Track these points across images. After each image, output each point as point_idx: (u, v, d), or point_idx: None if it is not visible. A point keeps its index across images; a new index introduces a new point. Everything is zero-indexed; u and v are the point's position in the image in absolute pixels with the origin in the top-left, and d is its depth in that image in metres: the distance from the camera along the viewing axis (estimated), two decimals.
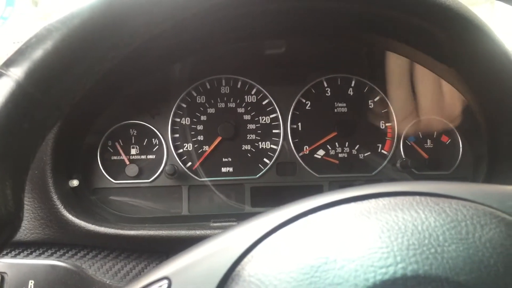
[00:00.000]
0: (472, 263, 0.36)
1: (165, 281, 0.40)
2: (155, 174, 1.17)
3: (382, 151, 1.25)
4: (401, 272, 0.36)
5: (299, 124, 1.24)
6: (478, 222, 0.40)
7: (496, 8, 1.74)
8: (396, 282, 0.35)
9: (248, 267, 0.39)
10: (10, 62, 0.41)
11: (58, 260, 0.85)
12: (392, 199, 0.43)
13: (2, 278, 0.77)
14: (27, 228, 0.91)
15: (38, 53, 0.40)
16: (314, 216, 0.43)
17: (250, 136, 1.22)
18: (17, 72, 0.40)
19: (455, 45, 0.80)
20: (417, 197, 0.43)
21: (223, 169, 1.20)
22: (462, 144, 1.25)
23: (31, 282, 0.77)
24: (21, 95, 0.39)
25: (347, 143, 1.24)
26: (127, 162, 1.16)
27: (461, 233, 0.39)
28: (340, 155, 1.24)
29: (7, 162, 0.39)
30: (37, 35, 0.41)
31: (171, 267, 0.41)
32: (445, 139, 1.26)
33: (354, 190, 0.45)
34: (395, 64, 1.14)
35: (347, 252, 0.38)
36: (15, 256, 0.91)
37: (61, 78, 0.42)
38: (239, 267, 0.40)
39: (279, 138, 1.22)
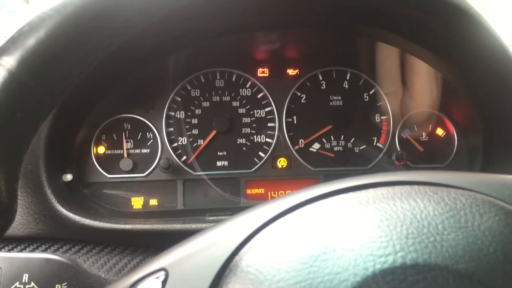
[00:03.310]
0: (472, 252, 0.36)
1: (162, 272, 0.40)
2: (149, 168, 1.16)
3: (378, 144, 1.25)
4: (400, 261, 0.36)
5: (294, 117, 1.23)
6: (477, 210, 0.40)
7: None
8: (395, 271, 0.35)
9: (246, 258, 0.39)
10: (2, 51, 0.40)
11: (52, 254, 0.85)
12: (390, 189, 0.43)
13: None
14: (21, 223, 0.90)
15: (30, 41, 0.40)
16: (312, 206, 0.42)
17: (245, 130, 1.21)
18: (9, 61, 0.39)
19: (449, 35, 0.80)
20: (416, 187, 0.43)
21: (218, 163, 1.20)
22: (457, 137, 1.25)
23: (25, 276, 0.77)
24: (14, 83, 0.39)
25: (342, 136, 1.24)
26: (124, 156, 1.15)
27: (460, 222, 0.38)
28: (335, 148, 1.23)
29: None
30: (30, 23, 0.40)
31: (168, 258, 0.41)
32: (440, 132, 1.26)
33: (352, 180, 0.44)
34: (390, 56, 1.13)
35: (346, 241, 0.37)
36: (8, 251, 0.90)
37: (55, 66, 0.41)
38: (237, 258, 0.39)
39: (274, 131, 1.22)
